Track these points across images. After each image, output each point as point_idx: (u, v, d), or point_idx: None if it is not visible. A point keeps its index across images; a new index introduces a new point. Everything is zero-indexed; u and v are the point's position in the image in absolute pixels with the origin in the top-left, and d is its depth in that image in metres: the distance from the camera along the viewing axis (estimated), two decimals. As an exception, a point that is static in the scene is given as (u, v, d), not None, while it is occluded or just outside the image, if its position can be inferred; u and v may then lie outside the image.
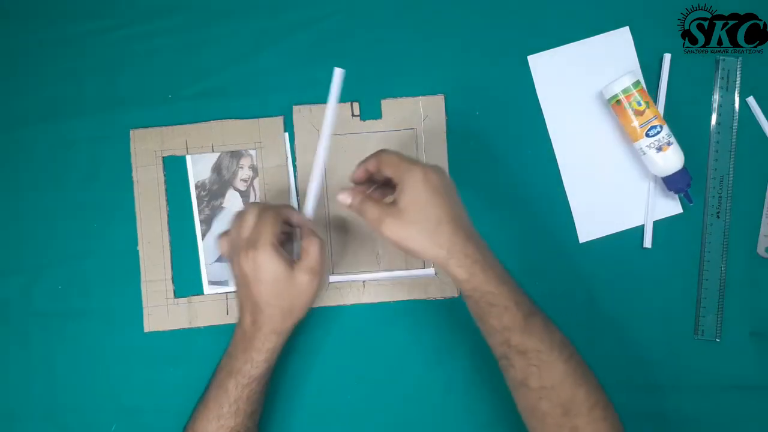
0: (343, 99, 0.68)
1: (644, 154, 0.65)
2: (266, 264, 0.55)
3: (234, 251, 0.57)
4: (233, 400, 0.57)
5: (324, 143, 0.58)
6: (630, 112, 0.64)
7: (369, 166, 0.57)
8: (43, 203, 0.68)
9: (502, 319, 0.52)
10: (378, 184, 0.59)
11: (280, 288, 0.56)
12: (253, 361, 0.57)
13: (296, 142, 0.68)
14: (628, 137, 0.66)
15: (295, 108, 0.68)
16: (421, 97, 0.68)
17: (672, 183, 0.65)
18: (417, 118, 0.68)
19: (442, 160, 0.68)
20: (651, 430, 0.65)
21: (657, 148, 0.64)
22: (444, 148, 0.68)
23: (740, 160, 0.68)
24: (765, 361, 0.66)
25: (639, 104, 0.64)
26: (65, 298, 0.67)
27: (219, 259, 0.68)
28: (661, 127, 0.64)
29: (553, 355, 0.52)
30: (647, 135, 0.64)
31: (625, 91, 0.64)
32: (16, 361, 0.67)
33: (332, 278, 0.68)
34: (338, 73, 0.57)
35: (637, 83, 0.64)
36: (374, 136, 0.68)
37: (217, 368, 0.59)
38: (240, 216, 0.58)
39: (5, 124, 0.69)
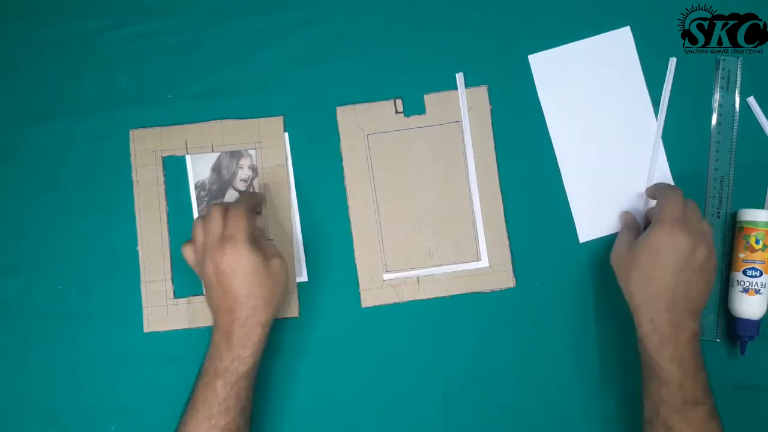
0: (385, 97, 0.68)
1: (733, 286, 0.65)
2: (246, 257, 0.56)
3: (206, 253, 0.58)
4: (222, 399, 0.57)
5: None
6: (744, 244, 0.64)
7: (651, 193, 0.64)
8: (43, 203, 0.68)
9: (660, 391, 0.54)
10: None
11: (260, 278, 0.57)
12: (240, 358, 0.57)
13: (342, 143, 0.68)
14: (732, 263, 0.66)
15: (339, 109, 0.68)
16: (465, 90, 0.68)
17: (740, 326, 0.64)
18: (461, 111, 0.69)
19: (489, 150, 0.68)
20: (651, 431, 0.65)
21: (745, 289, 0.64)
22: (491, 138, 0.68)
23: (741, 160, 0.68)
24: (765, 362, 0.66)
25: (757, 242, 0.63)
26: (65, 298, 0.67)
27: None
28: (762, 273, 0.63)
29: None
30: (744, 272, 0.64)
31: (753, 223, 0.64)
32: (16, 361, 0.67)
33: (387, 276, 0.68)
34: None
35: None
36: (420, 131, 0.68)
37: (200, 373, 0.58)
38: (207, 218, 0.59)
39: (5, 124, 0.69)
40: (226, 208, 0.59)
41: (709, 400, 0.55)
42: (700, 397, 0.54)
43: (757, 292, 0.63)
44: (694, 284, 0.56)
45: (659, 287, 0.55)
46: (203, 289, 0.62)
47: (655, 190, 0.63)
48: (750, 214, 0.64)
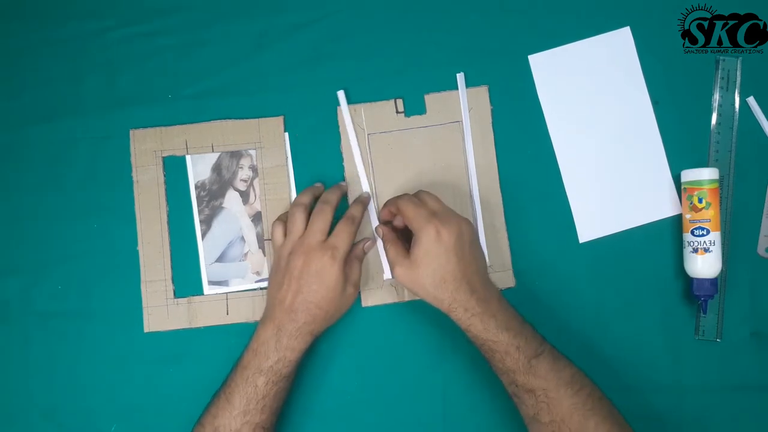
0: (385, 97, 0.68)
1: (684, 247, 0.65)
2: (336, 272, 0.59)
3: (301, 246, 0.60)
4: (261, 397, 0.58)
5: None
6: (689, 204, 0.64)
7: (392, 208, 0.63)
8: (43, 203, 0.68)
9: (505, 362, 0.56)
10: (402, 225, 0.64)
11: (334, 295, 0.60)
12: (286, 360, 0.59)
13: (342, 143, 0.68)
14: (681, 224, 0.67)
15: (339, 109, 0.68)
16: (466, 90, 0.69)
17: (697, 286, 0.64)
18: (461, 111, 0.69)
19: (489, 150, 0.68)
20: (651, 431, 0.65)
21: (694, 249, 0.64)
22: (491, 138, 0.68)
23: (740, 160, 0.68)
24: (765, 362, 0.66)
25: (700, 201, 0.64)
26: (65, 298, 0.67)
27: (219, 259, 0.68)
28: (709, 231, 0.63)
29: (560, 392, 0.55)
30: (692, 233, 0.64)
31: (695, 183, 0.64)
32: (16, 361, 0.67)
33: (387, 276, 0.68)
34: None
35: (713, 181, 0.64)
36: (420, 131, 0.69)
37: (240, 364, 0.59)
38: (318, 215, 0.61)
39: (5, 124, 0.69)
40: (348, 220, 0.61)
41: (546, 345, 0.57)
42: (537, 347, 0.56)
43: (707, 250, 0.64)
44: (474, 256, 0.59)
45: (456, 279, 0.57)
46: (270, 275, 0.63)
47: (393, 205, 0.62)
48: (692, 174, 0.65)
